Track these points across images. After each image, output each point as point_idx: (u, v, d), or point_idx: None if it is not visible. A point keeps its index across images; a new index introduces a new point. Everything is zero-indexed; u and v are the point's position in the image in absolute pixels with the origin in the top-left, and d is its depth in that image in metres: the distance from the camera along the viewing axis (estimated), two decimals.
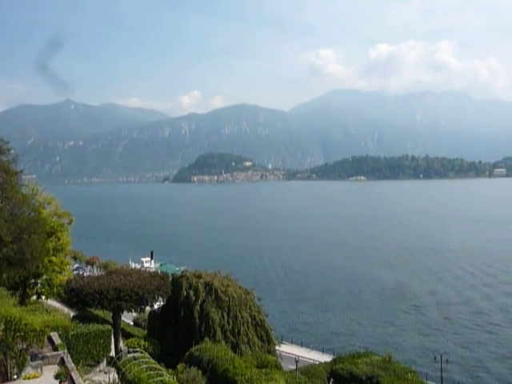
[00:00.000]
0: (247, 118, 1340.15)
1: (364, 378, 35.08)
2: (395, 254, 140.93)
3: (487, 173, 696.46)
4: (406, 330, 74.53)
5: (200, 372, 29.11)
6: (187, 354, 33.33)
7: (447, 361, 52.48)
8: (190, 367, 29.74)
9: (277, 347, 42.54)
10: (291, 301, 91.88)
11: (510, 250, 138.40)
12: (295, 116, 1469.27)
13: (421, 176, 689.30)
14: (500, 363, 61.25)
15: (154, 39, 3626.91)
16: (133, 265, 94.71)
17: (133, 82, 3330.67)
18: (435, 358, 53.07)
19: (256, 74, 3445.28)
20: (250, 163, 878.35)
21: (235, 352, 34.86)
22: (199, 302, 38.18)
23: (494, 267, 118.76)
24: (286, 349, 55.87)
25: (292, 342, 63.91)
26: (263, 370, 28.63)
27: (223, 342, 36.07)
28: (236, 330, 37.98)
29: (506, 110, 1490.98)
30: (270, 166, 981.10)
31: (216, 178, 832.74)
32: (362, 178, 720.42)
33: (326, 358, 50.85)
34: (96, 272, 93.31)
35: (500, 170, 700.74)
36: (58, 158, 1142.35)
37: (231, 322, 38.07)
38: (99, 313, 38.13)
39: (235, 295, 39.13)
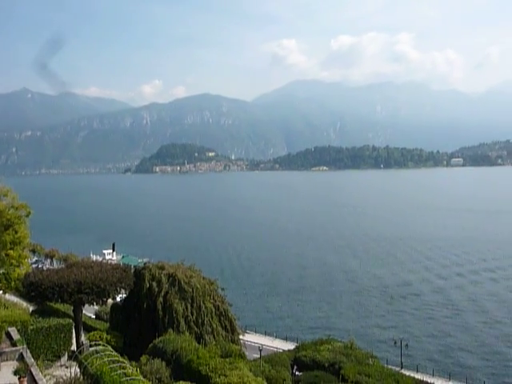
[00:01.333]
0: (210, 108, 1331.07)
1: (327, 365, 35.75)
2: (357, 242, 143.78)
3: (445, 162, 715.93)
4: (368, 316, 76.30)
5: (164, 363, 28.99)
6: (151, 345, 33.12)
7: (407, 345, 54.12)
8: (153, 359, 29.56)
9: (241, 336, 42.75)
10: (255, 290, 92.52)
11: (468, 237, 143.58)
12: (258, 106, 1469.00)
13: (381, 166, 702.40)
14: (457, 345, 63.55)
15: (113, 27, 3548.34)
16: (94, 257, 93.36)
17: (92, 70, 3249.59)
18: (395, 342, 54.60)
19: (219, 64, 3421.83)
20: (212, 154, 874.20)
21: (199, 342, 34.85)
22: (162, 293, 37.90)
23: (451, 253, 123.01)
24: (249, 338, 56.29)
25: (256, 331, 64.46)
26: (227, 360, 28.72)
27: (187, 333, 35.97)
28: (200, 321, 37.95)
29: (462, 101, 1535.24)
30: (233, 157, 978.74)
31: (179, 168, 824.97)
32: (325, 168, 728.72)
33: (290, 346, 51.51)
34: (56, 265, 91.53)
35: (457, 159, 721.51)
36: (14, 149, 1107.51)
37: (195, 313, 38.01)
38: (59, 306, 37.31)
39: (199, 286, 39.04)
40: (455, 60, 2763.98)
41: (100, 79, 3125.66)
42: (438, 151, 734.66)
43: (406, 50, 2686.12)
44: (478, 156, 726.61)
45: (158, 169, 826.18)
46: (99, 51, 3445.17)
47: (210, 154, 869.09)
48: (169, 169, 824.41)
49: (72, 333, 32.15)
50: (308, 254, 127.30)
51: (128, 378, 22.19)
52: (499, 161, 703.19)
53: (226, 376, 25.39)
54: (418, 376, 44.26)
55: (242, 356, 32.45)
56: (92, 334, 37.18)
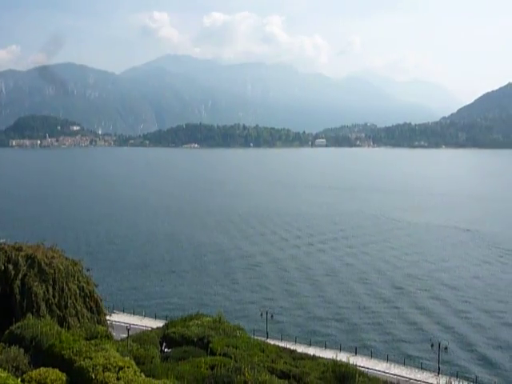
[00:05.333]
0: (74, 79, 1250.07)
1: (195, 340, 36.25)
2: (226, 218, 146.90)
3: (310, 143, 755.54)
4: (235, 290, 78.92)
5: (22, 350, 27.20)
6: (6, 332, 30.80)
7: (272, 317, 57.06)
8: (9, 347, 27.63)
9: (108, 317, 41.69)
10: (123, 269, 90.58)
11: (337, 213, 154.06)
12: (127, 79, 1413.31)
13: (251, 144, 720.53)
14: (316, 313, 68.40)
15: None
16: None
17: None
18: (261, 314, 57.24)
19: (84, 32, 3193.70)
20: (77, 127, 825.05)
21: (62, 326, 33.18)
22: (20, 276, 35.40)
23: (314, 228, 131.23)
24: (117, 318, 55.14)
25: (124, 311, 63.33)
26: (93, 342, 27.70)
27: (48, 317, 34.09)
28: (63, 303, 36.21)
29: (326, 85, 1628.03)
30: (100, 131, 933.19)
31: (39, 142, 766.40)
32: (196, 145, 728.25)
33: (159, 324, 51.29)
34: None
35: (321, 140, 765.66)
36: None
37: (57, 296, 36.14)
38: None
39: (61, 267, 37.08)
40: (321, 45, 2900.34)
41: None
42: (304, 132, 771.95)
43: (276, 33, 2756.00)
44: (340, 137, 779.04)
45: (14, 142, 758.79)
46: None
47: (75, 128, 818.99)
48: (27, 143, 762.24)
49: None
50: (176, 231, 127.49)
51: None
52: (358, 142, 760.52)
53: (91, 358, 24.46)
54: (282, 344, 46.74)
55: (108, 337, 31.58)
56: None
